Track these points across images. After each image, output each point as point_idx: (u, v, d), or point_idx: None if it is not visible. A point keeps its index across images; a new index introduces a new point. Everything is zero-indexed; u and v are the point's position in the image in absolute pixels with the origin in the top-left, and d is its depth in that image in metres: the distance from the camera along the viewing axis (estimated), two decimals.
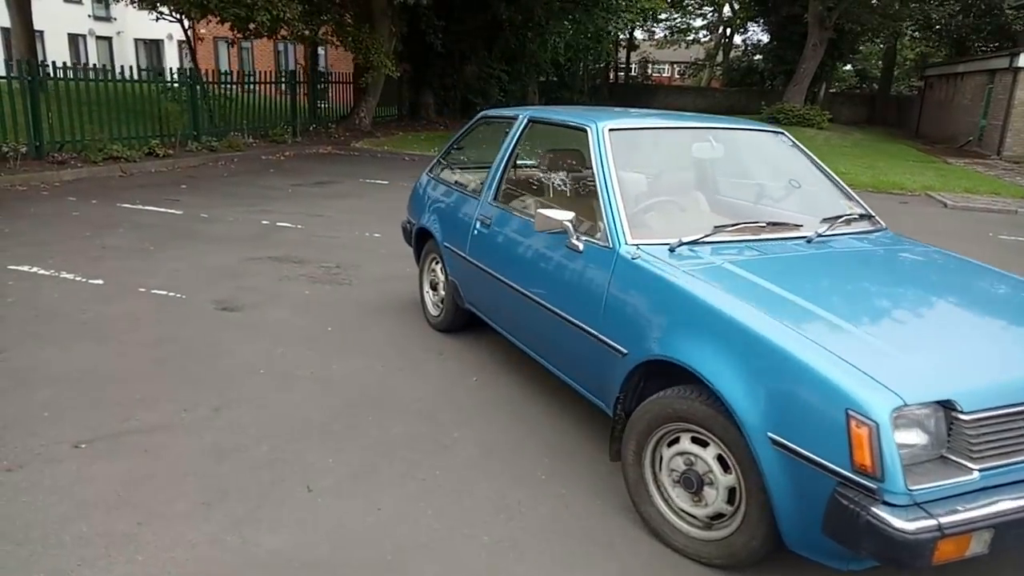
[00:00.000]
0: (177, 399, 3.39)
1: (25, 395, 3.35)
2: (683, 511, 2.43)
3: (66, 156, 10.08)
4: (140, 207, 7.93)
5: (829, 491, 1.91)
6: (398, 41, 16.00)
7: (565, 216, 2.92)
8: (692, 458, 2.36)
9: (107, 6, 33.85)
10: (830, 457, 1.91)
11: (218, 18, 12.29)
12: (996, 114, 22.11)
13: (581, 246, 2.91)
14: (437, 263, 4.44)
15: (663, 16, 36.88)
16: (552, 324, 3.04)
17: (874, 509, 1.81)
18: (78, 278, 5.21)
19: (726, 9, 40.00)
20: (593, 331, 2.76)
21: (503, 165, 3.74)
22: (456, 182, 4.29)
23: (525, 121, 3.75)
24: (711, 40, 44.99)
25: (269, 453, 2.95)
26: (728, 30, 42.68)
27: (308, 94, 15.95)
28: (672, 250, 2.69)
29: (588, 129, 3.19)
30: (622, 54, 38.39)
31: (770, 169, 3.39)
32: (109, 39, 35.76)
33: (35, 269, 5.37)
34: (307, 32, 12.96)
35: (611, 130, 3.15)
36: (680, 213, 3.12)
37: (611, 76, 38.06)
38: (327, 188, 9.93)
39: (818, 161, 3.47)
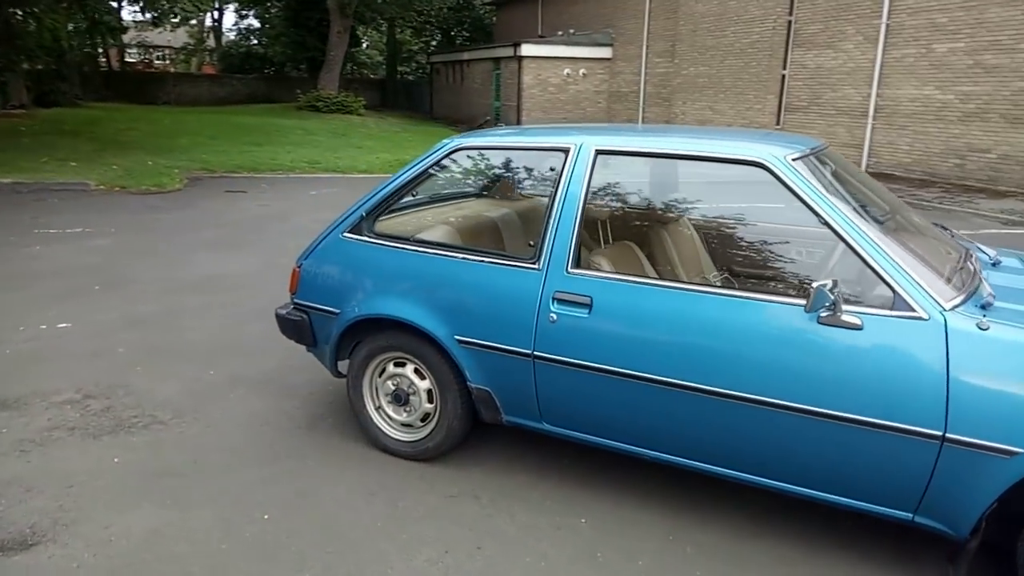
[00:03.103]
0: None
1: None
2: None
3: None
4: None
5: None
6: None
7: (828, 284, 2.16)
8: None
9: None
10: None
11: None
12: (509, 96, 25.58)
13: (859, 321, 2.19)
14: (403, 365, 2.99)
15: None
16: (808, 431, 2.25)
17: None
18: None
19: None
20: (927, 430, 2.10)
21: (574, 220, 2.60)
22: (451, 244, 2.88)
23: (590, 155, 2.65)
24: (197, 25, 41.54)
25: None
26: (218, 15, 39.95)
27: None
28: (985, 307, 2.20)
29: (768, 164, 2.40)
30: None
31: None
32: None
33: None
34: None
35: (794, 159, 2.43)
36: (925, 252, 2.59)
37: (102, 63, 32.36)
38: None
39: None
